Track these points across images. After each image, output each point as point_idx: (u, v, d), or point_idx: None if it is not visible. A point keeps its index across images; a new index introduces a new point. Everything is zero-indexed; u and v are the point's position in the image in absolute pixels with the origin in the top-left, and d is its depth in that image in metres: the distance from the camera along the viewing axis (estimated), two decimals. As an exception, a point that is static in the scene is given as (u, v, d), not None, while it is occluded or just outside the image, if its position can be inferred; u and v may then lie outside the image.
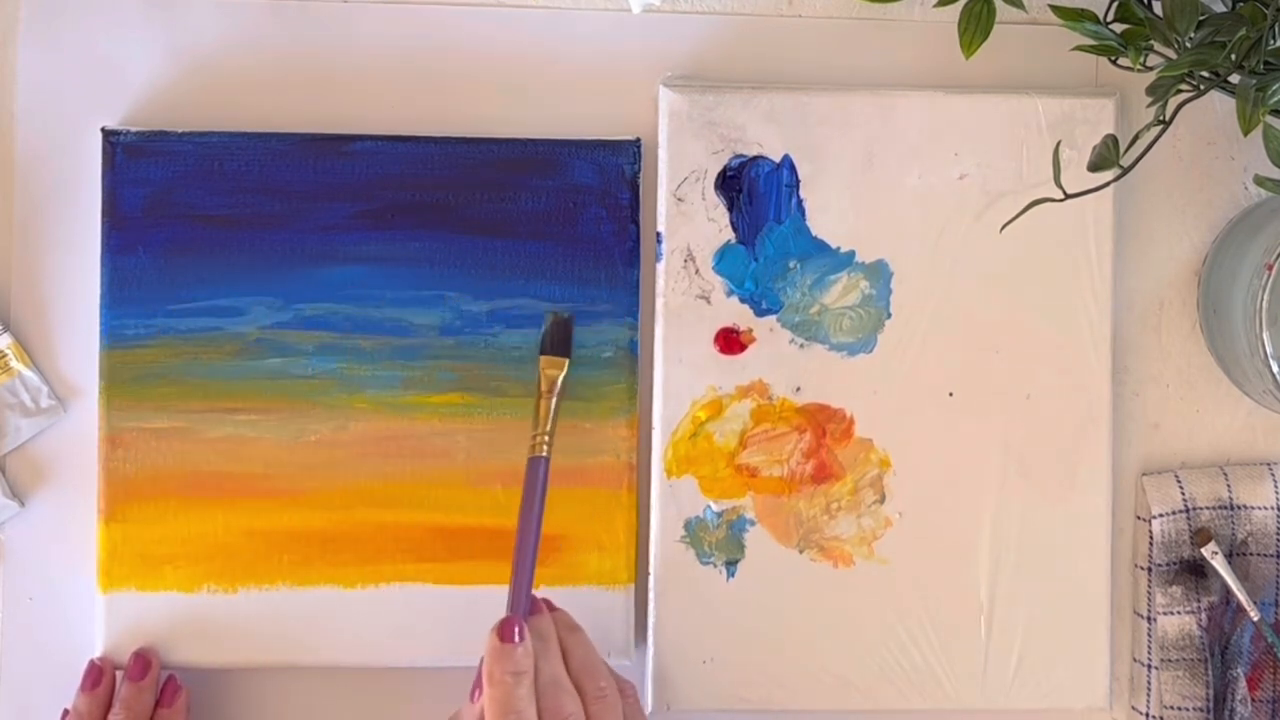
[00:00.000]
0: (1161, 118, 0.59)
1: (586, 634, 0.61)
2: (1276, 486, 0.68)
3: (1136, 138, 0.60)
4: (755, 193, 0.66)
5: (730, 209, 0.66)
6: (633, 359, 0.66)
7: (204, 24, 0.66)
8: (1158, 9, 0.61)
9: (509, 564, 0.61)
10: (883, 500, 0.67)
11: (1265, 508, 0.68)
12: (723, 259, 0.66)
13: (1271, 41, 0.58)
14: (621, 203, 0.66)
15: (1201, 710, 0.67)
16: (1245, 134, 0.57)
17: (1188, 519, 0.68)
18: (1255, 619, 0.67)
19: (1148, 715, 0.68)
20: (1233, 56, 0.58)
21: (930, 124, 0.67)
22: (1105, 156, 0.59)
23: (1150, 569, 0.68)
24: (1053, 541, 0.67)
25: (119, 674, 0.64)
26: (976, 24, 0.63)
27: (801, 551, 0.67)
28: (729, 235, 0.66)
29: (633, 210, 0.66)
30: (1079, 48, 0.65)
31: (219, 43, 0.66)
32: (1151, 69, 0.62)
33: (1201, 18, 0.59)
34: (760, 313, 0.66)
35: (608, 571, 0.66)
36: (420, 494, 0.66)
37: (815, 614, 0.67)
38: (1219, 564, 0.67)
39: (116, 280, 0.65)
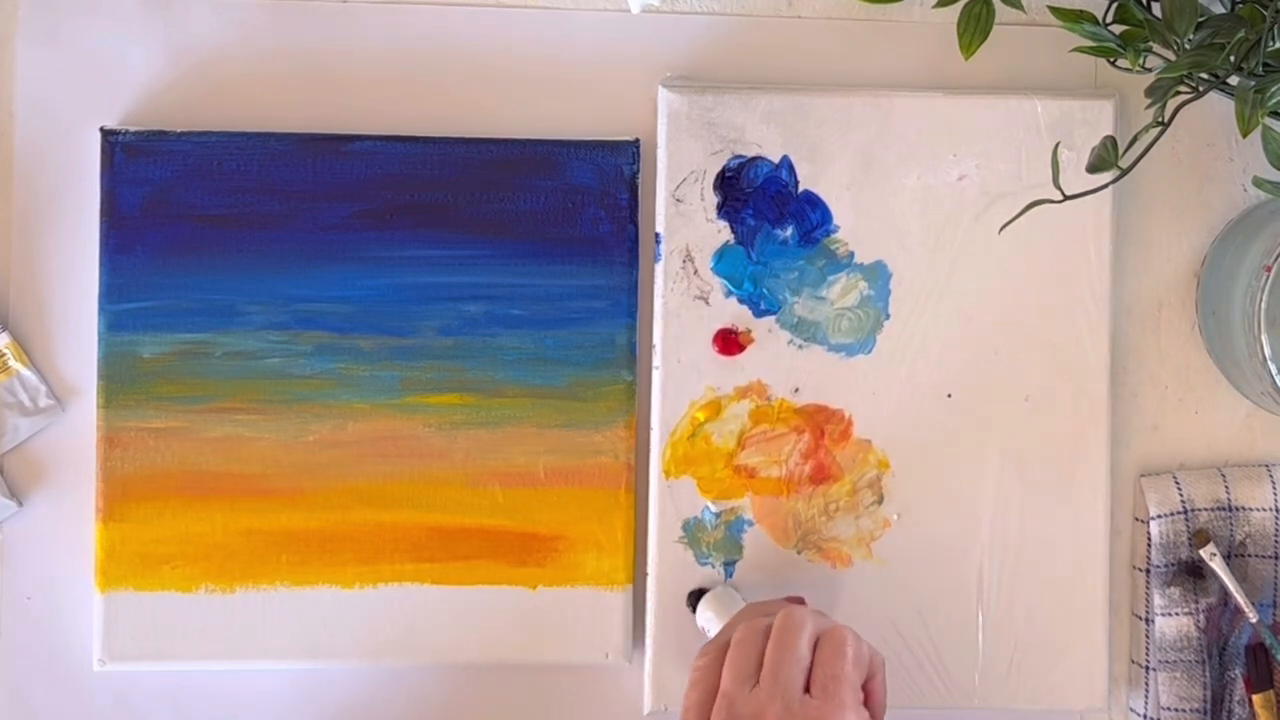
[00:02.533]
0: (1160, 119, 0.59)
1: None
2: (1275, 488, 0.68)
3: (1135, 139, 0.60)
4: (754, 193, 0.66)
5: (729, 210, 0.66)
6: (631, 359, 0.66)
7: (203, 24, 0.66)
8: (1157, 10, 0.61)
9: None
10: (881, 501, 0.67)
11: (1263, 509, 0.68)
12: (721, 260, 0.66)
13: (1270, 43, 0.58)
14: (620, 203, 0.66)
15: (1199, 711, 0.67)
16: (1244, 135, 0.57)
17: (1186, 520, 0.68)
18: (1253, 620, 0.67)
19: (1145, 716, 0.68)
20: (1231, 58, 0.58)
21: (929, 125, 0.67)
22: (1104, 158, 0.59)
23: (1148, 570, 0.68)
24: (1051, 543, 0.67)
25: None
26: (975, 25, 0.63)
27: (799, 552, 0.67)
28: (728, 236, 0.66)
29: (631, 211, 0.66)
30: (1078, 49, 0.65)
31: (218, 42, 0.66)
32: (1150, 70, 0.63)
33: (1200, 19, 0.59)
34: (759, 313, 0.66)
35: (606, 572, 0.66)
36: (419, 494, 0.66)
37: (813, 615, 0.67)
38: (1217, 565, 0.67)
39: (115, 280, 0.65)
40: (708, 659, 0.58)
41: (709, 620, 0.64)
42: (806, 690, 0.55)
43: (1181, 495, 0.68)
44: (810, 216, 0.67)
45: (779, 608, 0.61)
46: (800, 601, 0.63)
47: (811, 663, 0.56)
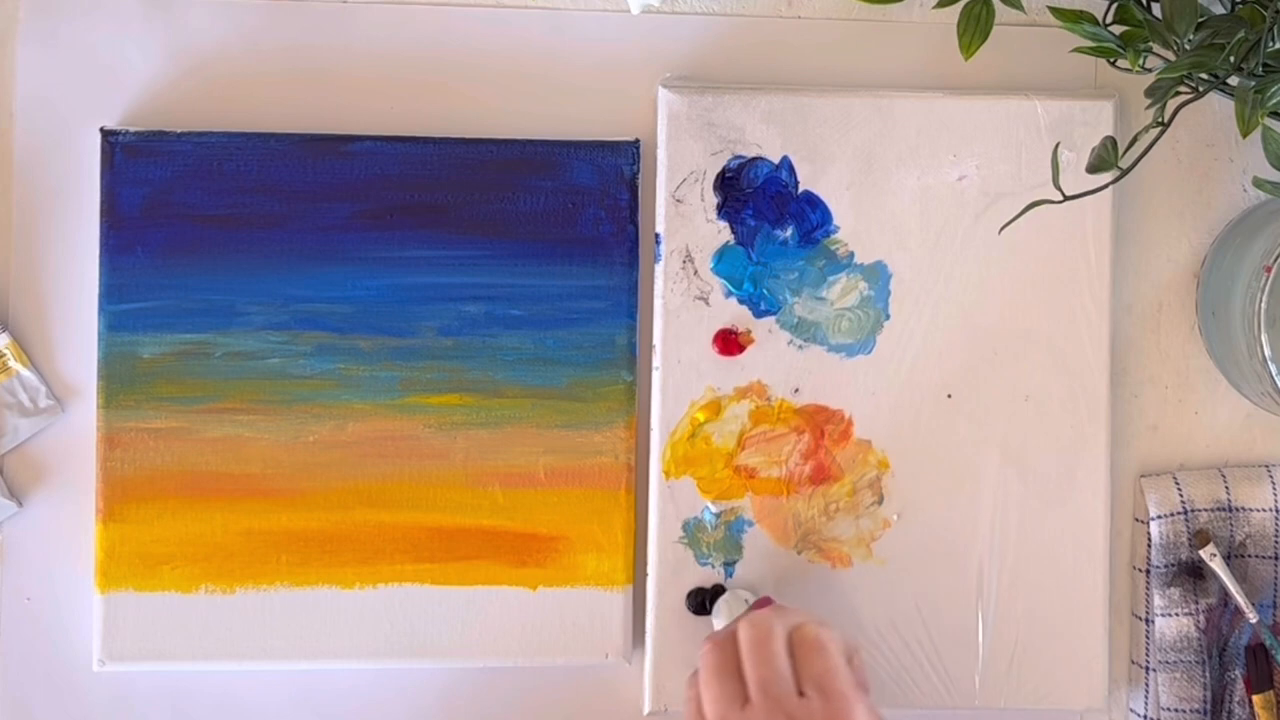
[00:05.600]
0: (1160, 120, 0.59)
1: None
2: (1275, 488, 0.68)
3: (1135, 139, 0.60)
4: (754, 194, 0.66)
5: (729, 210, 0.66)
6: (631, 360, 0.66)
7: (203, 24, 0.66)
8: (1157, 11, 0.61)
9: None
10: (881, 501, 0.67)
11: (1263, 509, 0.68)
12: (721, 260, 0.66)
13: (1270, 44, 0.58)
14: (620, 204, 0.66)
15: (1199, 712, 0.67)
16: (1244, 136, 0.57)
17: (1186, 521, 0.68)
18: (1253, 621, 0.67)
19: (1145, 717, 0.68)
20: (1231, 59, 0.58)
21: (929, 125, 0.67)
22: (1104, 158, 0.59)
23: (1148, 571, 0.68)
24: (1051, 543, 0.67)
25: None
26: (975, 25, 0.63)
27: (800, 552, 0.67)
28: (728, 236, 0.66)
29: (631, 211, 0.66)
30: (1078, 49, 0.65)
31: (218, 43, 0.66)
32: (1150, 71, 0.63)
33: (1200, 20, 0.59)
34: (759, 314, 0.66)
35: (606, 572, 0.66)
36: (418, 494, 0.66)
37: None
38: (1217, 566, 0.67)
39: (115, 280, 0.65)
40: (692, 690, 0.57)
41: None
42: (800, 693, 0.54)
43: (1181, 496, 0.68)
44: (810, 217, 0.67)
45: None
46: (767, 602, 0.62)
47: (795, 664, 0.55)
